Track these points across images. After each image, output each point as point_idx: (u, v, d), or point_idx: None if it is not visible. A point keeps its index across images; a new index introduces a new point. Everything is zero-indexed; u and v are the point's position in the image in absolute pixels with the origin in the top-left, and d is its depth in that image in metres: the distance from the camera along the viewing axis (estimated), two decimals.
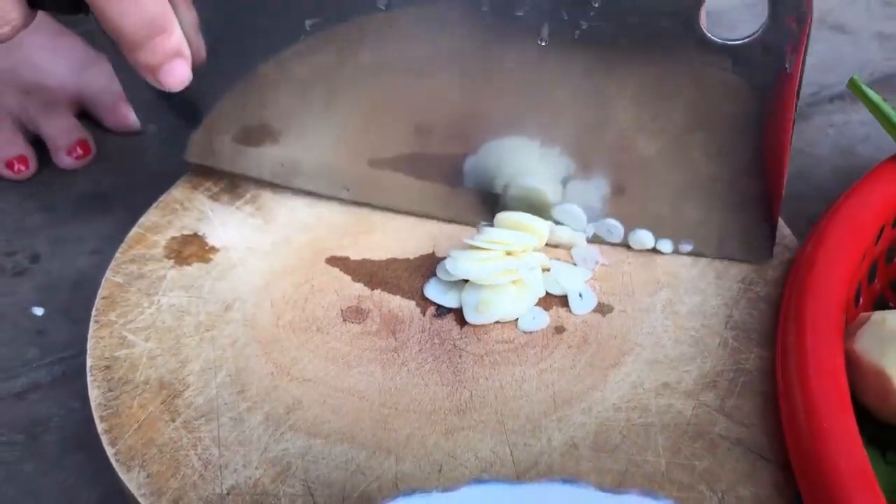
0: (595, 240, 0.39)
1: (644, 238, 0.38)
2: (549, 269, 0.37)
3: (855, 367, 0.32)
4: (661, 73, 0.34)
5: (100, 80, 0.50)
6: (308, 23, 0.35)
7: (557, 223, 0.38)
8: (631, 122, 0.36)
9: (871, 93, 0.39)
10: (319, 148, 0.39)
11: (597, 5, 0.33)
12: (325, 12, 0.35)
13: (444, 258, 0.37)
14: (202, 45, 0.36)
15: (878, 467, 0.32)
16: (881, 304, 0.40)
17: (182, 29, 0.34)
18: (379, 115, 0.38)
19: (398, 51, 0.35)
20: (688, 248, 0.38)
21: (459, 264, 0.36)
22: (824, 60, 0.58)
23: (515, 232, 0.37)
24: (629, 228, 0.38)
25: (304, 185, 0.40)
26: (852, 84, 0.40)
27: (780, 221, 0.39)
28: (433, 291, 0.36)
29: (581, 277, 0.37)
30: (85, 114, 0.52)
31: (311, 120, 0.38)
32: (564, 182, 0.38)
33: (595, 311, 0.36)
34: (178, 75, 0.34)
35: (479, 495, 0.25)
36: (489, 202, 0.39)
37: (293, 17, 0.35)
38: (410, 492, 0.25)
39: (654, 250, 0.38)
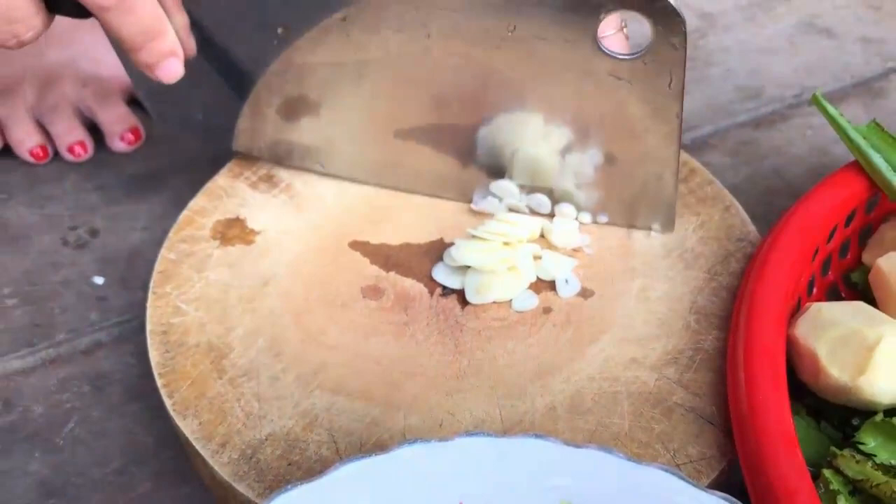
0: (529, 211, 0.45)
1: (567, 210, 0.44)
2: (540, 258, 0.43)
3: (794, 350, 0.38)
4: (567, 78, 0.40)
5: None
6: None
7: (493, 196, 0.45)
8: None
9: (830, 108, 0.44)
10: (349, 128, 0.45)
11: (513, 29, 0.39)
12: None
13: (451, 245, 0.43)
14: (193, 44, 0.41)
15: (813, 433, 0.38)
16: (835, 293, 0.46)
17: (175, 30, 0.39)
18: (401, 90, 0.43)
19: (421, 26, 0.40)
20: (604, 219, 0.44)
21: (463, 252, 0.41)
22: (808, 63, 0.63)
23: (511, 225, 0.42)
24: (555, 203, 0.45)
25: (336, 169, 0.46)
26: (815, 99, 0.45)
27: (745, 218, 0.45)
28: (440, 274, 0.42)
29: (568, 266, 0.42)
30: (134, 101, 0.58)
31: (340, 102, 0.44)
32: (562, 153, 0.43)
33: (578, 295, 0.42)
34: (172, 71, 0.39)
35: (468, 445, 0.31)
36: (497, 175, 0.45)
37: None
38: (414, 441, 0.31)
39: (630, 239, 0.44)
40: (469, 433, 0.31)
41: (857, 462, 0.33)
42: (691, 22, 0.67)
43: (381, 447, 0.35)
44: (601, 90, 0.40)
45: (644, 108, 0.40)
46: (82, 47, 0.55)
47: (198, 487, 0.39)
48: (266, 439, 0.36)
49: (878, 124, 0.44)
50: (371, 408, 0.37)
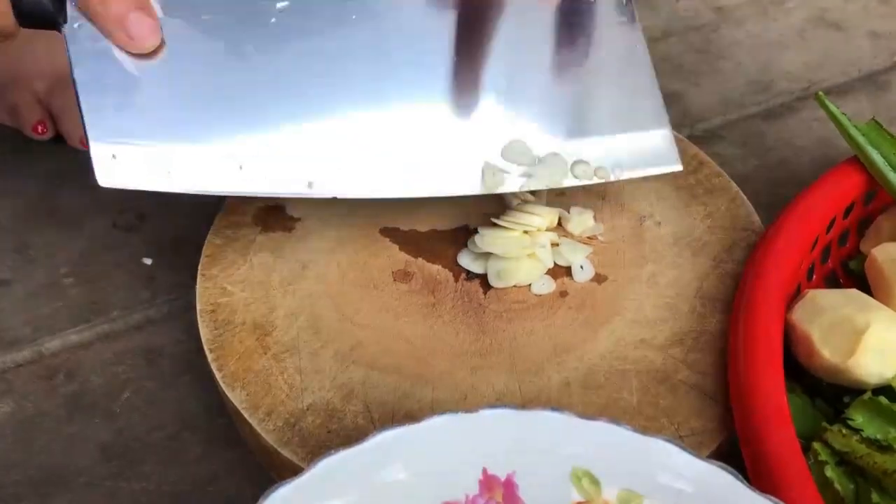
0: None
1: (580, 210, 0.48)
2: (557, 245, 0.46)
3: (792, 333, 0.41)
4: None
5: None
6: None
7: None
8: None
9: (832, 106, 0.47)
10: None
11: None
12: None
13: (475, 232, 0.46)
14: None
15: (807, 410, 0.41)
16: (833, 280, 0.49)
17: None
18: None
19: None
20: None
21: (486, 240, 0.45)
22: (817, 57, 0.65)
23: (531, 215, 0.46)
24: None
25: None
26: (818, 98, 0.48)
27: (751, 208, 0.48)
28: (465, 260, 0.46)
29: (583, 252, 0.46)
30: None
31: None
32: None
33: (592, 280, 0.45)
34: (145, 38, 0.39)
35: (491, 416, 0.34)
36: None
37: None
38: (443, 412, 0.34)
39: (641, 227, 0.47)
40: (491, 405, 0.35)
41: (844, 436, 0.37)
42: (704, 14, 0.69)
43: (411, 417, 0.39)
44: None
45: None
46: None
47: (244, 453, 0.43)
48: (307, 409, 0.40)
49: (877, 122, 0.47)
50: (402, 381, 0.41)
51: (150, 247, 0.53)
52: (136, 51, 0.40)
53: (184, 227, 0.54)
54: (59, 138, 0.58)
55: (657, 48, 0.66)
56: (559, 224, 0.47)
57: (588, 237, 0.47)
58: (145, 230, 0.54)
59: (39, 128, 0.58)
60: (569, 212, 0.47)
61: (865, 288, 0.43)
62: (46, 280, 0.51)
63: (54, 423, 0.45)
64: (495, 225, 0.46)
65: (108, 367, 0.47)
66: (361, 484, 0.33)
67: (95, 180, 0.40)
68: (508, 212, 0.47)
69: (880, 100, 0.62)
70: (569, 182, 0.43)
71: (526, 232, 0.46)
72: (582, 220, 0.47)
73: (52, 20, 0.40)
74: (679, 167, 0.45)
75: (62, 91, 0.57)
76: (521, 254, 0.45)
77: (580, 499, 0.34)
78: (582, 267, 0.45)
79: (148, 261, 0.52)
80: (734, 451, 0.38)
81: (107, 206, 0.55)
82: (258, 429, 0.39)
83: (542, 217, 0.46)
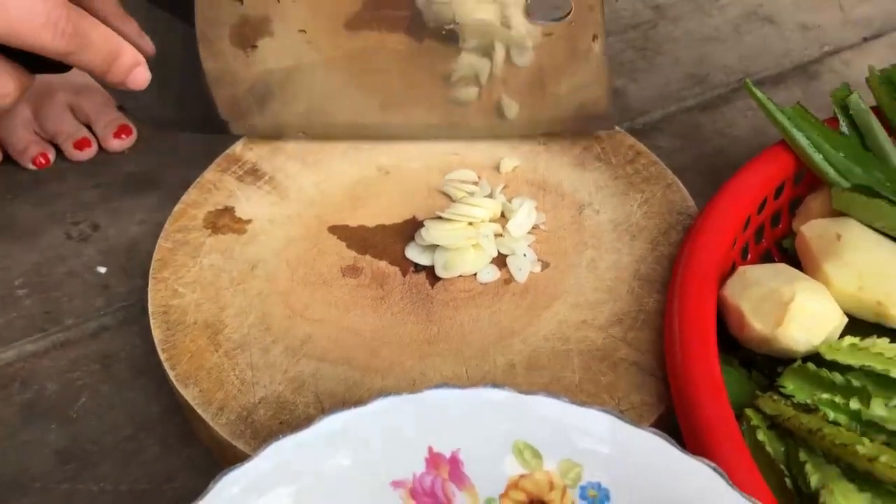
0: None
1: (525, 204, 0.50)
2: (501, 235, 0.48)
3: (724, 308, 0.43)
4: None
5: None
6: None
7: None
8: None
9: (758, 93, 0.49)
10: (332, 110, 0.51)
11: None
12: None
13: (422, 225, 0.48)
14: (149, 43, 0.45)
15: (743, 381, 0.43)
16: (769, 258, 0.51)
17: (128, 38, 0.42)
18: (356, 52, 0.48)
19: None
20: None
21: (432, 233, 0.46)
22: (752, 49, 0.68)
23: (474, 207, 0.47)
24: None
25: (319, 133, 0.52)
26: (746, 86, 0.50)
27: (686, 194, 0.50)
28: (412, 253, 0.47)
29: (525, 241, 0.47)
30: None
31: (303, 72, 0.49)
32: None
33: (535, 266, 0.46)
34: (140, 80, 0.43)
35: (434, 396, 0.36)
36: (450, 45, 0.49)
37: None
38: (388, 394, 0.36)
39: (581, 215, 0.49)
40: (435, 386, 0.36)
41: (774, 401, 0.38)
42: (643, 13, 0.71)
43: (353, 405, 0.40)
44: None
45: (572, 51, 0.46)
46: None
47: (200, 450, 0.44)
48: (259, 402, 0.41)
49: (802, 107, 0.49)
50: (352, 372, 0.42)
51: (104, 255, 0.53)
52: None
53: (138, 234, 0.54)
54: (7, 159, 0.59)
55: None
56: (502, 215, 0.49)
57: (531, 227, 0.48)
58: (98, 240, 0.54)
59: (41, 159, 0.58)
60: (511, 202, 0.49)
61: (798, 265, 0.45)
62: (0, 292, 0.51)
63: (9, 431, 0.45)
64: (441, 218, 0.47)
65: (63, 375, 0.47)
66: (310, 469, 0.34)
67: None
68: (452, 204, 0.48)
69: (811, 88, 0.64)
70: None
71: (470, 223, 0.47)
72: (524, 210, 0.48)
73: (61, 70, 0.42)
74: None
75: (6, 116, 0.58)
76: (465, 244, 0.46)
77: (523, 471, 0.35)
78: (525, 255, 0.47)
79: (102, 269, 0.53)
80: (673, 423, 0.39)
81: (60, 218, 0.56)
82: (211, 423, 0.40)
83: (485, 208, 0.48)
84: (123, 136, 0.59)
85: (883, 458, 0.33)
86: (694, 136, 0.60)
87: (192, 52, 0.48)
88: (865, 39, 0.68)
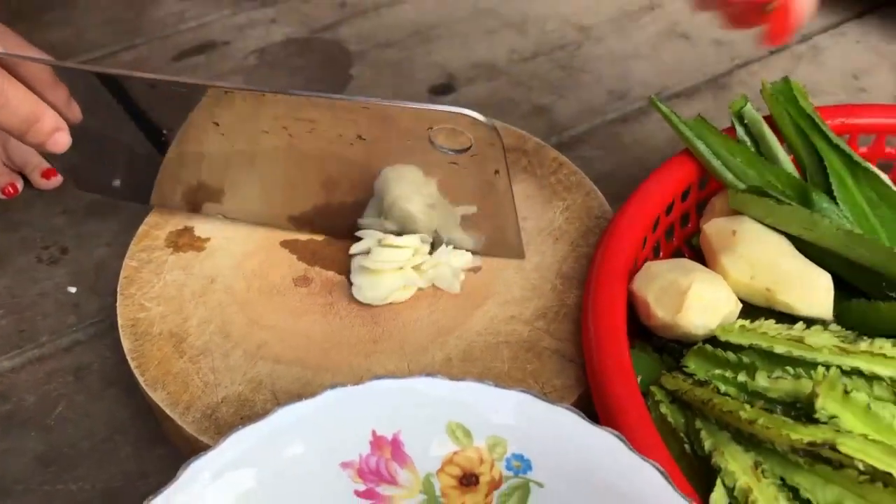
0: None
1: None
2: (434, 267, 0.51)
3: (635, 300, 0.48)
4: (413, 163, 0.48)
5: None
6: None
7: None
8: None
9: (663, 107, 0.55)
10: (247, 204, 0.53)
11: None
12: None
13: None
14: (77, 110, 0.48)
15: (653, 364, 0.48)
16: (679, 255, 0.56)
17: (55, 104, 0.45)
18: (279, 171, 0.51)
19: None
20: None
21: (362, 286, 0.50)
22: (668, 65, 0.74)
23: (399, 250, 0.50)
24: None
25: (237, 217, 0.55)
26: (651, 101, 0.56)
27: (602, 199, 0.55)
28: (354, 277, 0.51)
29: (459, 274, 0.51)
30: None
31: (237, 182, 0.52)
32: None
33: (468, 270, 0.52)
34: (60, 144, 0.46)
35: (376, 386, 0.40)
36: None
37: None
38: (335, 385, 0.40)
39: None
40: (377, 377, 0.41)
41: (674, 378, 0.44)
42: (568, 34, 0.77)
43: (303, 398, 0.45)
44: (444, 172, 0.48)
45: (481, 183, 0.48)
46: None
47: (170, 449, 0.48)
48: (222, 401, 0.45)
49: (702, 118, 0.55)
50: (305, 371, 0.47)
51: (73, 276, 0.58)
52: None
53: (104, 255, 0.59)
54: None
55: (527, 67, 0.74)
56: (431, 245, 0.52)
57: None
58: (68, 262, 0.59)
59: (10, 189, 0.62)
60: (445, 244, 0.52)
61: (704, 261, 0.51)
62: None
63: None
64: (364, 268, 0.50)
65: (40, 387, 0.51)
66: (270, 455, 0.39)
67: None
68: (374, 250, 0.50)
69: (723, 99, 0.70)
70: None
71: (399, 268, 0.50)
72: (458, 258, 0.52)
73: None
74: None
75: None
76: (393, 286, 0.50)
77: (456, 448, 0.40)
78: (454, 275, 0.51)
79: (72, 289, 0.57)
80: (590, 403, 0.45)
81: (31, 243, 0.60)
82: (179, 422, 0.44)
83: (409, 247, 0.50)
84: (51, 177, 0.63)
85: (760, 420, 0.39)
86: (615, 146, 0.66)
87: (129, 131, 0.50)
88: (771, 52, 0.75)
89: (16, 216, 0.62)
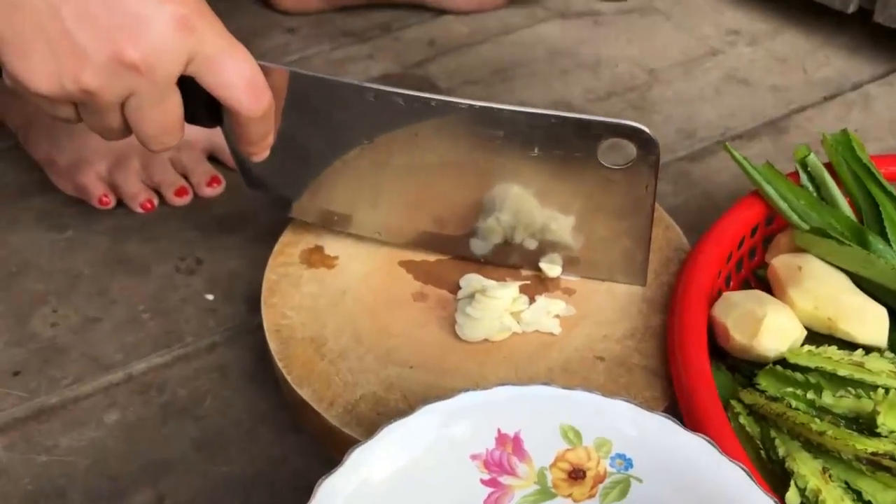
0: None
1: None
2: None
3: (714, 324, 0.55)
4: (576, 181, 0.56)
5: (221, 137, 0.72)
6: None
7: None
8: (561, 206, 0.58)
9: (735, 153, 0.62)
10: (371, 226, 0.61)
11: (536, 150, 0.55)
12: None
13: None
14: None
15: (728, 381, 0.55)
16: (747, 285, 0.64)
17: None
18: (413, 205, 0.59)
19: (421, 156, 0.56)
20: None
21: (466, 329, 0.57)
22: (730, 108, 0.81)
23: (494, 300, 0.56)
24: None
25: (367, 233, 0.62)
26: (725, 147, 0.63)
27: (679, 232, 0.63)
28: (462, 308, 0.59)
29: (555, 312, 0.58)
30: (212, 157, 0.74)
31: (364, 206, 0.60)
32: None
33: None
34: (265, 157, 0.54)
35: (501, 391, 0.48)
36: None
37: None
38: (466, 389, 0.48)
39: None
40: (502, 383, 0.48)
41: (751, 394, 0.51)
42: (639, 77, 0.85)
43: (437, 401, 0.52)
44: (599, 188, 0.55)
45: (626, 201, 0.56)
46: None
47: (307, 437, 0.56)
48: (360, 399, 0.53)
49: (770, 164, 0.62)
50: (428, 375, 0.54)
51: (209, 285, 0.65)
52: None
53: (236, 266, 0.67)
54: (119, 203, 0.71)
55: (602, 106, 0.81)
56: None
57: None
58: (203, 272, 0.66)
59: (104, 199, 0.70)
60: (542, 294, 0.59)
61: (770, 290, 0.58)
62: (128, 316, 0.63)
63: (153, 426, 0.57)
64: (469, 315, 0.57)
65: (189, 382, 0.59)
66: (418, 444, 0.46)
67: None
68: (476, 298, 0.56)
69: (780, 142, 0.77)
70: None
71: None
72: (555, 306, 0.58)
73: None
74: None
75: (120, 166, 0.70)
76: (491, 329, 0.57)
77: (567, 446, 0.48)
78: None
79: (210, 296, 0.65)
80: (676, 414, 0.52)
81: (168, 254, 0.68)
82: (325, 415, 0.52)
83: (504, 298, 0.57)
84: (214, 185, 0.71)
85: (829, 432, 0.46)
86: (684, 182, 0.73)
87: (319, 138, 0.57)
88: (825, 98, 0.82)
89: (154, 230, 0.70)
